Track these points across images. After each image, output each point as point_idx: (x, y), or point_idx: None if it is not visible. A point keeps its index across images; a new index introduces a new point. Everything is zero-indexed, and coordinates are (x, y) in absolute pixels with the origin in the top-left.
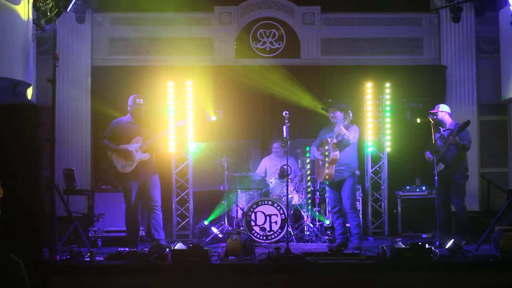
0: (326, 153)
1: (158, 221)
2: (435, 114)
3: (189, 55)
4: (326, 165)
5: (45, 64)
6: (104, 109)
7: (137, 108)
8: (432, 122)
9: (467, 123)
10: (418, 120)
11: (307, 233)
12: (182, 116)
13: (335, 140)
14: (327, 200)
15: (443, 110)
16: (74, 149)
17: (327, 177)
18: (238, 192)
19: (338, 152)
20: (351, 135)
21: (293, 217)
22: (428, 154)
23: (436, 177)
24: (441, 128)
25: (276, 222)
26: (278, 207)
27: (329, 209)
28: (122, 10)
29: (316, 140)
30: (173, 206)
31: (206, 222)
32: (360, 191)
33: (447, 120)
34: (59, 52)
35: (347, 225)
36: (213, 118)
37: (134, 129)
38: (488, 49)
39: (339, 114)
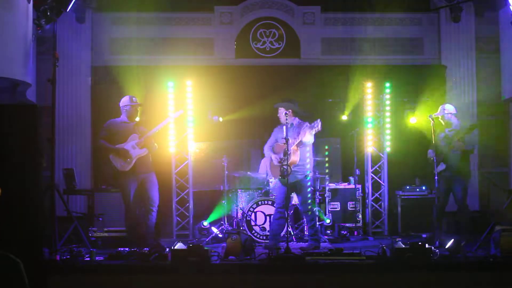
0: (285, 155)
1: (152, 222)
2: (442, 116)
3: (189, 55)
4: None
5: (45, 64)
6: (104, 109)
7: (135, 106)
8: (433, 122)
9: (472, 127)
10: (414, 120)
11: (307, 233)
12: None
13: (294, 142)
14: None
15: (449, 112)
16: (74, 149)
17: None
18: (238, 192)
19: (298, 155)
20: (310, 138)
21: (293, 217)
22: (430, 153)
23: (436, 177)
24: (446, 128)
25: None
26: None
27: (276, 206)
28: (122, 10)
29: (270, 139)
30: (173, 206)
31: (205, 223)
32: (360, 191)
33: (454, 120)
34: (59, 52)
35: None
36: (220, 119)
37: (129, 128)
38: (488, 49)
39: (281, 111)
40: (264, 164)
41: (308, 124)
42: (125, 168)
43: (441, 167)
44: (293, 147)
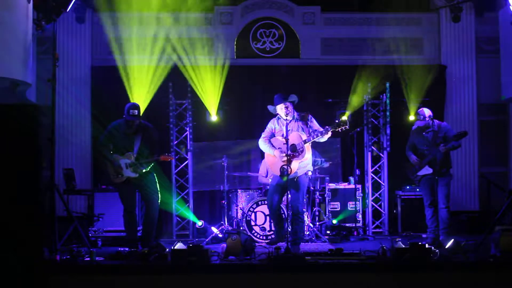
0: (294, 151)
1: (152, 222)
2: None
3: (189, 55)
4: (293, 160)
5: (45, 64)
6: (104, 109)
7: (131, 120)
8: (432, 123)
9: (461, 135)
10: (412, 117)
11: (307, 233)
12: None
13: (311, 139)
14: (290, 197)
15: (430, 114)
16: (74, 149)
17: (290, 173)
18: (238, 192)
19: (310, 151)
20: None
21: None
22: (413, 157)
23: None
24: (423, 132)
25: None
26: None
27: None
28: (122, 10)
29: (266, 131)
30: (173, 206)
31: (200, 223)
32: (360, 191)
33: (436, 122)
34: (59, 52)
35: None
36: (214, 118)
37: (129, 142)
38: (488, 49)
39: (291, 106)
40: (264, 165)
41: (312, 117)
42: (116, 181)
43: (427, 170)
44: (306, 145)
